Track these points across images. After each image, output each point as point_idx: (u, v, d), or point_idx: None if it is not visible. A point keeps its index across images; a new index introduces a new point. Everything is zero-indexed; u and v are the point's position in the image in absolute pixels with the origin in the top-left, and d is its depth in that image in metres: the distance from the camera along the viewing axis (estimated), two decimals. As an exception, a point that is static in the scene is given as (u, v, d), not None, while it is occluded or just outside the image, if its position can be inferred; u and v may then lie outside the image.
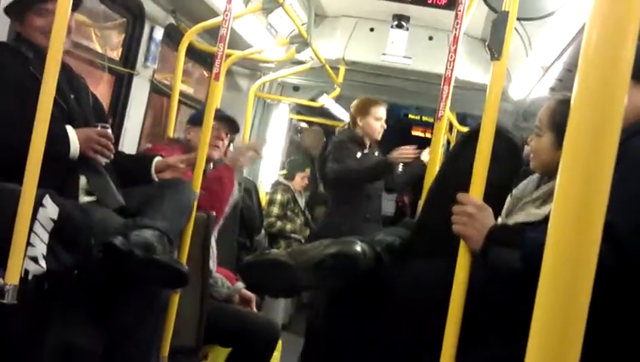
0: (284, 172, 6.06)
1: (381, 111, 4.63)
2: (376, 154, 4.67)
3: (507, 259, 1.71)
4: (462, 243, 1.83)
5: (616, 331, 1.70)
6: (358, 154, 4.53)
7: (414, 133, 11.54)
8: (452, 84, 2.77)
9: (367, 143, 4.62)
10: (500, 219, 2.11)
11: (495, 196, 1.95)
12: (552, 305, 0.60)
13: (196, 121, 3.39)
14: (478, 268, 1.81)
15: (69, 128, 2.49)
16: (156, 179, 2.80)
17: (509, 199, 2.14)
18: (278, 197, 5.79)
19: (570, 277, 0.59)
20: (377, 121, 4.60)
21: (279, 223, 5.70)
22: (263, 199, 5.73)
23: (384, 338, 1.97)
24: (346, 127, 4.81)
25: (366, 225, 4.23)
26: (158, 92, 4.36)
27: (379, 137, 4.66)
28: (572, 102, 0.63)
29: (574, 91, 0.64)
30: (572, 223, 0.60)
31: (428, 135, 10.64)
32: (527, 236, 1.71)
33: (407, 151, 4.30)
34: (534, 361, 0.60)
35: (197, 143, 3.13)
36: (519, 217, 2.02)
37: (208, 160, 3.12)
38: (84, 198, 2.54)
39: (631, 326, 1.71)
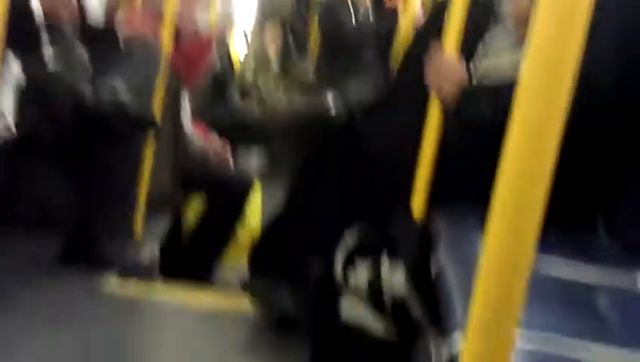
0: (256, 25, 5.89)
1: None
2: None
3: (480, 111, 1.75)
4: (434, 96, 1.86)
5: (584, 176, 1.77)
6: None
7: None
8: None
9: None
10: (474, 67, 2.12)
11: (469, 48, 1.96)
12: (521, 148, 0.62)
13: None
14: (451, 121, 1.85)
15: None
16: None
17: (486, 45, 2.14)
18: (251, 50, 5.69)
19: (541, 118, 0.61)
20: None
21: (251, 77, 5.65)
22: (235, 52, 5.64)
23: (357, 194, 2.02)
24: None
25: None
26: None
27: None
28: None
29: None
30: (543, 70, 0.62)
31: None
32: (499, 89, 1.74)
33: None
34: (502, 203, 0.63)
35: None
36: (495, 64, 2.03)
37: None
38: (50, 59, 2.50)
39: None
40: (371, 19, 4.13)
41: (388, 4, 4.15)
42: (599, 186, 1.77)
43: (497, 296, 0.65)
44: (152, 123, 2.47)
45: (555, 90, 0.62)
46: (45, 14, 2.45)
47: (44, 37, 2.47)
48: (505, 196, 0.64)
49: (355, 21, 4.06)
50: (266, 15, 6.00)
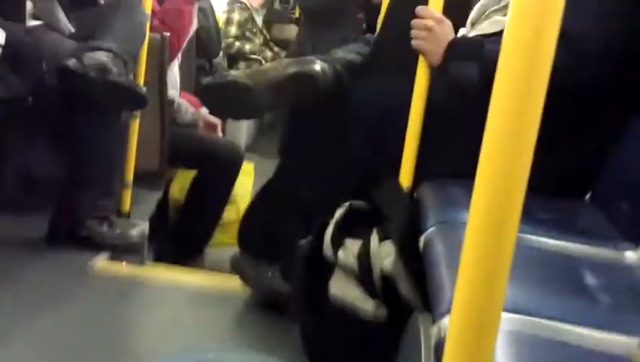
0: None
1: None
2: None
3: (466, 72, 1.70)
4: (421, 58, 1.82)
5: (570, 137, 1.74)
6: None
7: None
8: None
9: None
10: (464, 30, 2.08)
11: (456, 8, 1.91)
12: (505, 108, 0.59)
13: None
14: (438, 82, 1.81)
15: None
16: (102, 1, 2.68)
17: (476, 7, 2.09)
18: (236, 16, 5.62)
19: (525, 76, 0.59)
20: None
21: (238, 44, 5.58)
22: (220, 19, 5.56)
23: (344, 156, 1.99)
24: None
25: None
26: None
27: None
28: None
29: None
30: (527, 29, 0.59)
31: None
32: (485, 48, 1.70)
33: None
34: (488, 159, 0.61)
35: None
36: (484, 26, 1.99)
37: None
38: (32, 23, 2.43)
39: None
40: None
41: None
42: (586, 156, 1.74)
43: (482, 276, 0.63)
44: (143, 100, 2.40)
45: (539, 47, 0.60)
46: None
47: None
48: (489, 162, 0.62)
49: None
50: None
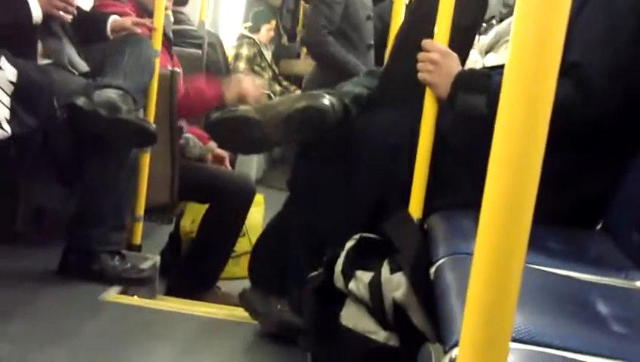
0: (249, 24, 5.89)
1: None
2: None
3: (474, 104, 1.72)
4: (428, 91, 1.83)
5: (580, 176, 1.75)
6: None
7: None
8: None
9: None
10: (478, 55, 2.09)
11: (461, 40, 1.93)
12: (509, 140, 0.60)
13: None
14: (445, 115, 1.82)
15: None
16: (111, 37, 2.72)
17: (492, 34, 2.11)
18: (245, 51, 5.68)
19: (527, 112, 0.59)
20: None
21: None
22: (229, 54, 5.62)
23: (354, 188, 2.00)
24: None
25: None
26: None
27: None
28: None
29: None
30: (528, 64, 0.60)
31: None
32: (493, 80, 1.71)
33: None
34: (492, 197, 0.61)
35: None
36: (495, 57, 2.00)
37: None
38: (43, 61, 2.47)
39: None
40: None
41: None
42: (597, 187, 1.75)
43: (489, 307, 0.63)
44: (152, 136, 2.43)
45: (541, 79, 0.61)
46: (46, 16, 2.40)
47: (39, 32, 2.43)
48: (494, 193, 0.63)
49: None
50: (260, 11, 6.00)
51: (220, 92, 3.06)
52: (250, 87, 3.01)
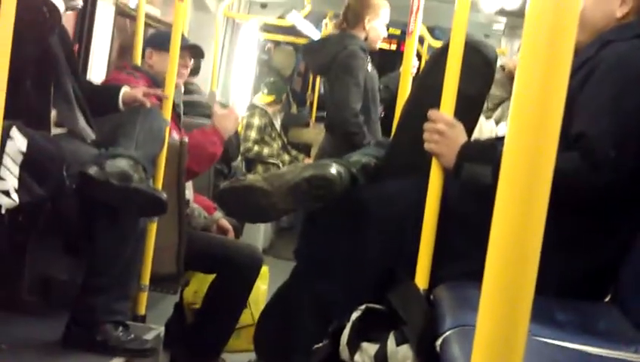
0: (271, 98, 5.93)
1: (388, 15, 3.82)
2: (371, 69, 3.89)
3: (479, 174, 1.72)
4: (434, 161, 1.83)
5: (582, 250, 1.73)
6: (369, 67, 3.79)
7: (379, 45, 11.32)
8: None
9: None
10: (492, 125, 2.10)
11: (468, 111, 1.95)
12: (509, 214, 0.60)
13: (157, 43, 3.29)
14: (452, 185, 1.82)
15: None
16: (122, 108, 2.76)
17: (504, 104, 2.14)
18: (256, 121, 5.75)
19: (526, 185, 0.59)
20: (384, 28, 3.85)
21: (256, 148, 5.68)
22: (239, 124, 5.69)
23: (359, 257, 1.99)
24: (343, 27, 3.87)
25: None
26: (125, 15, 4.23)
27: (377, 46, 3.94)
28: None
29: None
30: (528, 135, 0.60)
31: (393, 46, 10.48)
32: (498, 150, 1.71)
33: None
34: (494, 266, 0.61)
35: (161, 70, 3.07)
36: (501, 128, 2.02)
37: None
38: (57, 130, 2.50)
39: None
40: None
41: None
42: (605, 258, 1.73)
43: None
44: (164, 206, 2.44)
45: (541, 149, 0.61)
46: None
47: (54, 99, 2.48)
48: (496, 262, 0.62)
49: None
50: (276, 82, 6.10)
51: (219, 142, 3.08)
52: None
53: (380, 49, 4.20)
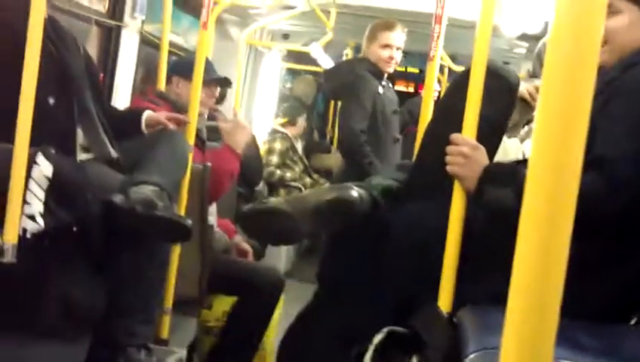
0: (285, 120, 6.01)
1: (390, 37, 3.90)
2: (390, 87, 4.03)
3: (502, 197, 1.72)
4: (457, 184, 1.83)
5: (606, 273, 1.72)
6: (380, 90, 3.91)
7: (397, 87, 11.20)
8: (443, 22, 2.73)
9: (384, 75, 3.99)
10: (517, 144, 2.10)
11: (490, 135, 1.95)
12: (533, 236, 0.60)
13: (181, 70, 3.32)
14: (475, 208, 1.82)
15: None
16: (146, 132, 2.79)
17: (526, 128, 2.14)
18: (278, 145, 5.78)
19: (551, 207, 0.59)
20: (384, 50, 3.91)
21: (279, 172, 5.70)
22: (261, 148, 5.72)
23: (383, 281, 1.99)
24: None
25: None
26: (149, 44, 4.29)
27: (388, 69, 3.97)
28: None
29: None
30: (551, 158, 0.60)
31: (411, 89, 10.26)
32: (521, 173, 1.71)
33: None
34: (517, 296, 0.60)
35: (185, 98, 3.10)
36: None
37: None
38: (83, 155, 2.53)
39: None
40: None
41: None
42: (630, 280, 1.72)
43: None
44: (188, 232, 2.45)
45: (565, 170, 0.61)
46: None
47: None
48: (520, 286, 0.62)
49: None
50: (290, 105, 6.16)
51: (232, 157, 3.11)
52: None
53: (397, 91, 4.29)
